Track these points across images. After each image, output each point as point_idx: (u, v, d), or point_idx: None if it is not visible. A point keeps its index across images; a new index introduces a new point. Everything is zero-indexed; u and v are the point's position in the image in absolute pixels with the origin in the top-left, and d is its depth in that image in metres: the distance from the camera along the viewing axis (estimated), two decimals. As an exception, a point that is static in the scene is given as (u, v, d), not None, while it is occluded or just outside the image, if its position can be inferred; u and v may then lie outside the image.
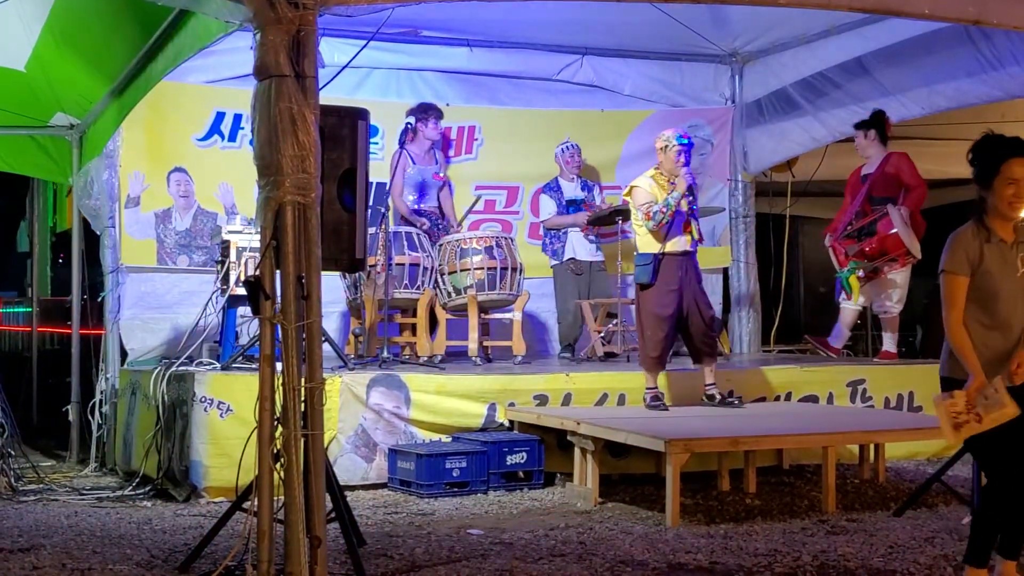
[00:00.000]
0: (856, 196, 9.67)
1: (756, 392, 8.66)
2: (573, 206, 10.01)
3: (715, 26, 9.87)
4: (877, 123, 9.57)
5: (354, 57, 6.68)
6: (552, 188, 10.11)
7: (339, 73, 6.27)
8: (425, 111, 9.68)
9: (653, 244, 7.85)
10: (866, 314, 10.84)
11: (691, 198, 7.90)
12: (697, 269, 8.03)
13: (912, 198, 9.42)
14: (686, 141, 7.90)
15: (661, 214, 7.75)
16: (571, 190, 10.08)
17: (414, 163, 9.61)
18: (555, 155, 10.13)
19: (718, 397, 8.05)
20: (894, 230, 9.22)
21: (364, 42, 6.57)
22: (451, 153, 10.41)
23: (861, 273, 9.57)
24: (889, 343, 9.77)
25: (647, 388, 8.00)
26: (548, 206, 10.11)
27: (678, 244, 7.84)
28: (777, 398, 8.76)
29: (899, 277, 9.53)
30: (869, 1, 5.31)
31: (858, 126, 9.69)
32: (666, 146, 7.90)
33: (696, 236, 7.91)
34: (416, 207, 9.67)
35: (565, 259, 10.01)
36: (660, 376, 8.08)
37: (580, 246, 10.01)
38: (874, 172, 9.58)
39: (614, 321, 9.71)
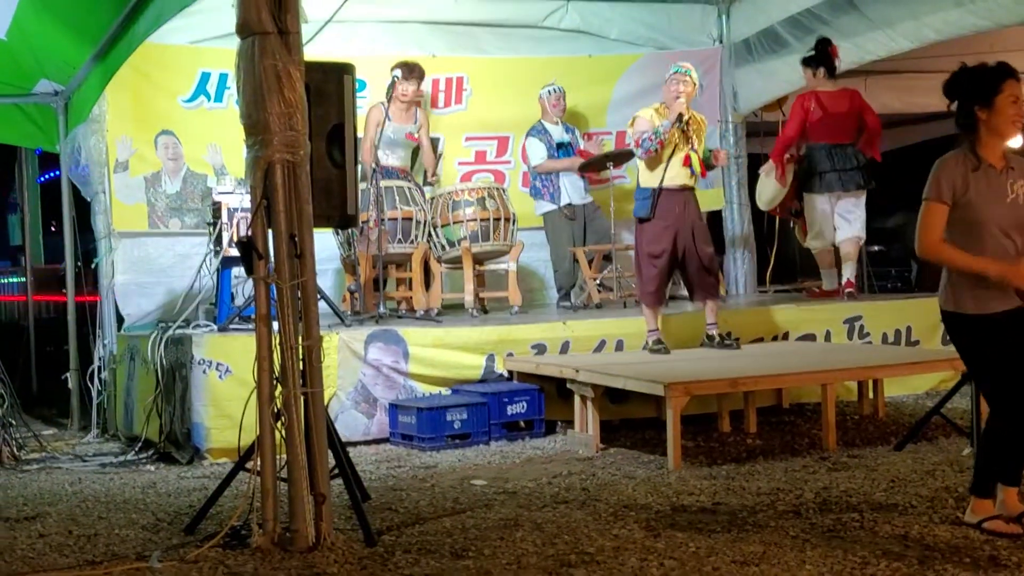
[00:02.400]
0: None
1: (754, 333, 8.67)
2: (563, 149, 9.95)
3: (700, -35, 9.80)
4: (824, 58, 9.55)
5: (337, 11, 6.63)
6: (539, 131, 9.99)
7: (323, 28, 6.23)
8: (410, 70, 9.34)
9: (651, 178, 7.85)
10: (862, 252, 10.82)
11: (685, 128, 7.81)
12: (697, 205, 8.04)
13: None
14: (681, 69, 7.86)
15: (650, 142, 7.74)
16: (558, 133, 10.01)
17: (390, 120, 9.37)
18: (540, 97, 10.01)
19: (717, 338, 8.06)
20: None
21: (347, -4, 6.53)
22: (440, 104, 10.33)
23: None
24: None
25: (648, 330, 8.01)
26: (538, 150, 9.97)
27: (676, 178, 7.82)
28: (775, 338, 8.78)
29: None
30: (854, -66, 5.26)
31: (805, 63, 9.66)
32: (667, 79, 7.94)
33: (696, 169, 7.86)
34: (382, 163, 9.34)
35: (561, 204, 9.91)
36: (660, 319, 8.07)
37: (573, 190, 9.94)
38: None
39: (609, 267, 9.69)
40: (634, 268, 8.24)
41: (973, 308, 4.80)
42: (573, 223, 9.95)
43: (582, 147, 10.04)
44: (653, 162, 7.82)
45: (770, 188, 9.79)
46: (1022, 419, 4.79)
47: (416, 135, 9.57)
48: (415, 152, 9.72)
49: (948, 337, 5.06)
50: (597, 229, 9.84)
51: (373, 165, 8.83)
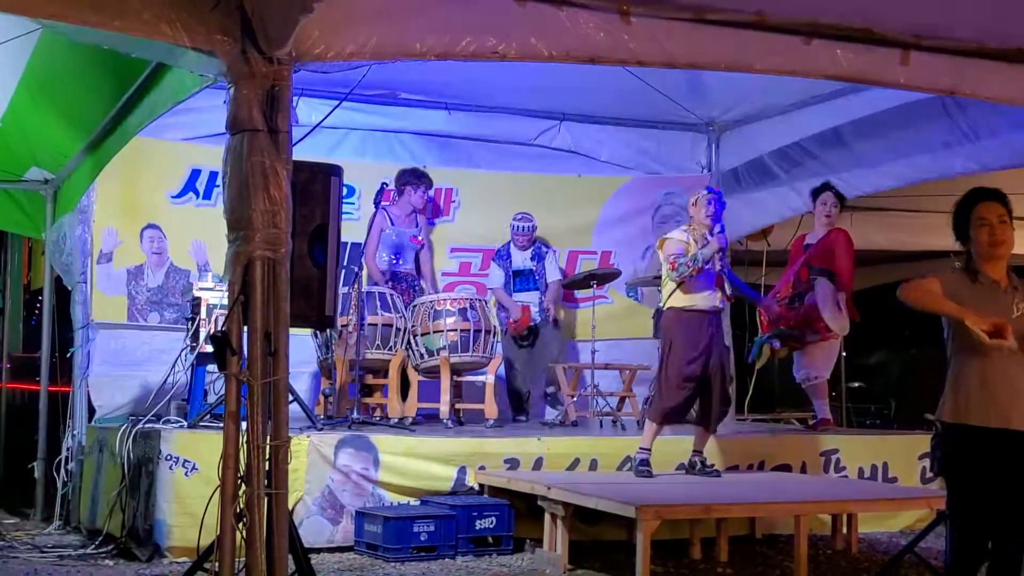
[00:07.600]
0: (795, 264, 9.65)
1: (729, 460, 8.60)
2: (520, 277, 10.00)
3: (692, 95, 9.93)
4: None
5: (329, 113, 6.68)
6: (502, 256, 10.08)
7: (314, 129, 6.25)
8: (419, 178, 9.75)
9: (681, 299, 7.76)
10: (841, 384, 10.81)
11: (723, 257, 7.82)
12: (723, 329, 7.96)
13: (841, 284, 9.37)
14: (717, 194, 7.92)
15: (687, 267, 7.64)
16: (520, 260, 10.04)
17: (393, 224, 9.61)
18: (510, 224, 10.05)
19: (698, 465, 7.98)
20: (818, 304, 9.24)
21: (338, 101, 6.58)
22: (428, 215, 10.39)
23: (776, 344, 9.50)
24: (821, 410, 9.71)
25: (641, 448, 7.86)
26: (496, 274, 10.10)
27: (708, 300, 7.75)
28: (750, 467, 8.70)
29: (818, 351, 9.49)
30: (845, 69, 5.31)
31: (829, 187, 9.56)
32: (697, 199, 7.90)
33: (727, 293, 7.86)
34: (393, 268, 9.67)
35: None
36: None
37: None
38: (817, 243, 9.57)
39: (587, 386, 9.65)
40: (655, 386, 8.08)
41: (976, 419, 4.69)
42: (520, 349, 9.93)
43: (546, 273, 9.99)
44: (685, 285, 7.73)
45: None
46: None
47: (420, 238, 9.77)
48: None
49: (939, 464, 4.88)
50: (546, 354, 9.88)
51: (356, 269, 8.83)
